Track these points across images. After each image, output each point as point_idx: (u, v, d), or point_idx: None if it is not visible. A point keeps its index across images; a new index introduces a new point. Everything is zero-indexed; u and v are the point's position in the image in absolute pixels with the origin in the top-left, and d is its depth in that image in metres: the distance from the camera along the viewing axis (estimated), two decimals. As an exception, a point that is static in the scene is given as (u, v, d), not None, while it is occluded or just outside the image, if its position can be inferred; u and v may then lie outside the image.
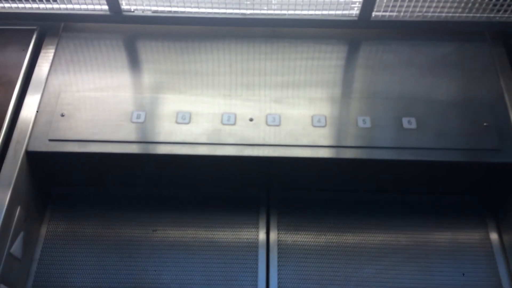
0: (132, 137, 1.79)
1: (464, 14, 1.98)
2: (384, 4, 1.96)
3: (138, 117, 1.83)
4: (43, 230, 1.89)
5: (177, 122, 1.82)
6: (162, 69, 1.97)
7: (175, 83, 1.93)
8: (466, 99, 1.88)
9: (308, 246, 1.87)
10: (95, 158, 1.79)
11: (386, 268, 1.82)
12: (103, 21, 2.05)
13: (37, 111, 1.82)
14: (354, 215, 1.93)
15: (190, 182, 1.95)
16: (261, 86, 1.93)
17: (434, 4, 1.96)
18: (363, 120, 1.82)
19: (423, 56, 1.99)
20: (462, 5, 1.97)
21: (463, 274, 1.80)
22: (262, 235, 1.88)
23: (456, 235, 1.88)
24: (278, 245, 1.87)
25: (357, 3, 1.95)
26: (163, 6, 2.01)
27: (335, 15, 2.00)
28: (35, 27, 2.05)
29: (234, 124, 1.82)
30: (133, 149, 1.78)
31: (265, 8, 1.99)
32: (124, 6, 2.00)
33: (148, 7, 2.01)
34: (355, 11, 1.98)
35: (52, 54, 1.99)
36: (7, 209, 1.65)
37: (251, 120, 1.83)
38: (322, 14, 2.00)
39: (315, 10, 1.99)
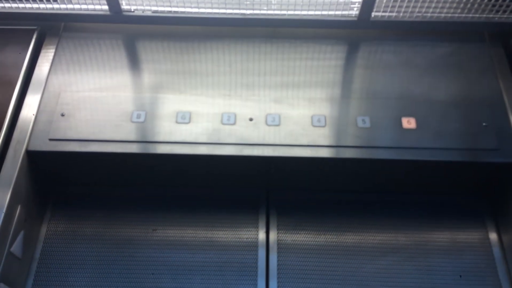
0: (132, 137, 1.79)
1: (463, 15, 1.99)
2: (383, 5, 1.97)
3: (138, 116, 1.84)
4: (43, 230, 1.89)
5: (177, 122, 1.83)
6: (162, 69, 1.97)
7: (175, 83, 1.94)
8: (465, 99, 1.88)
9: (307, 246, 1.87)
10: (95, 158, 1.80)
11: (385, 268, 1.82)
12: (103, 21, 2.05)
13: (33, 114, 1.82)
14: (354, 215, 1.93)
15: (190, 181, 1.95)
16: (261, 86, 1.93)
17: (433, 5, 1.96)
18: (363, 120, 1.83)
19: (423, 56, 2.00)
20: (461, 5, 1.97)
21: (460, 276, 1.80)
22: (261, 235, 1.89)
23: (455, 235, 1.89)
24: (277, 245, 1.87)
25: (357, 4, 1.96)
26: (163, 6, 2.01)
27: (335, 15, 2.00)
28: (35, 27, 2.06)
29: (234, 124, 1.83)
30: (133, 148, 1.78)
31: (265, 8, 2.00)
32: (124, 6, 2.00)
33: (148, 7, 2.02)
34: (354, 11, 1.98)
35: (52, 54, 2.00)
36: (7, 208, 1.66)
37: (251, 120, 1.84)
38: (321, 15, 2.00)
39: (315, 10, 1.99)
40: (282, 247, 1.86)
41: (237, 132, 1.81)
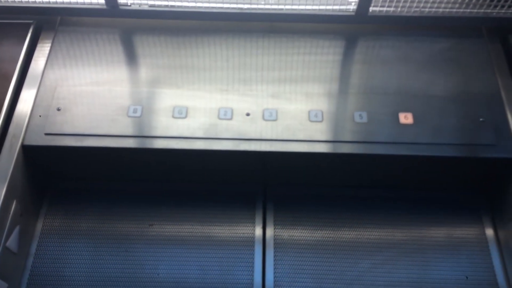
0: (129, 131, 1.79)
1: (461, 10, 1.98)
2: (381, -1, 1.97)
3: (135, 111, 1.83)
4: (39, 224, 1.89)
5: (173, 117, 1.82)
6: (159, 64, 1.97)
7: (172, 77, 1.93)
8: (462, 95, 1.88)
9: (304, 241, 1.87)
10: (91, 152, 1.79)
11: (381, 263, 1.82)
12: (100, 15, 2.04)
13: (29, 109, 1.81)
14: (350, 210, 1.93)
15: (187, 176, 1.95)
16: (258, 81, 1.92)
17: (431, 0, 1.95)
18: (360, 115, 1.82)
19: (420, 51, 1.99)
20: (459, 0, 1.97)
21: (456, 271, 1.80)
22: (258, 230, 1.88)
23: (452, 231, 1.89)
24: (274, 240, 1.87)
25: (355, -2, 1.96)
26: (160, 0, 2.00)
27: (333, 10, 2.00)
28: (31, 21, 2.04)
29: (231, 118, 1.82)
30: (130, 143, 1.77)
31: (262, 2, 1.99)
32: (120, 0, 1.99)
33: (145, 1, 2.01)
34: (352, 6, 1.98)
35: (48, 48, 1.99)
36: (3, 203, 1.65)
37: (248, 114, 1.83)
38: (319, 9, 2.00)
39: (313, 5, 1.98)
40: (278, 242, 1.86)
41: (234, 127, 1.80)
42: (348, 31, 2.06)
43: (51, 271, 1.80)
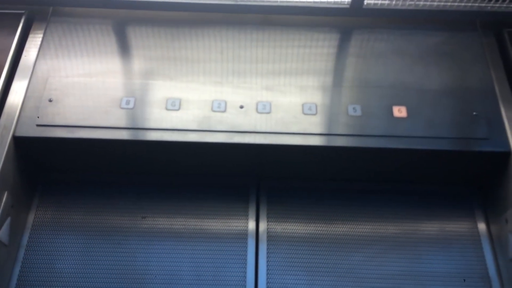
0: (121, 123, 1.77)
1: (456, 3, 1.98)
2: (376, -7, 1.96)
3: (128, 103, 1.82)
4: (31, 216, 1.87)
5: (167, 109, 1.81)
6: (152, 55, 1.95)
7: (165, 69, 1.91)
8: (456, 88, 1.88)
9: (297, 235, 1.87)
10: (83, 144, 1.78)
11: (374, 256, 1.83)
12: (93, 5, 2.02)
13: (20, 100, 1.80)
14: (344, 204, 1.93)
15: (180, 169, 1.94)
16: (252, 74, 1.92)
17: (426, -7, 1.96)
18: (354, 108, 1.82)
19: (415, 45, 1.99)
20: (454, -6, 1.97)
21: (448, 265, 1.81)
22: (251, 224, 1.88)
23: (444, 225, 1.89)
24: (267, 233, 1.87)
25: (349, -9, 1.95)
26: (153, -9, 1.99)
27: (327, 2, 1.99)
28: (23, 11, 2.02)
29: (224, 111, 1.81)
30: (122, 135, 1.76)
31: (257, -6, 1.99)
32: (114, -9, 1.98)
33: (138, -8, 1.99)
34: (347, -1, 1.98)
35: (40, 39, 1.97)
36: (-7, 194, 1.64)
37: (241, 107, 1.83)
38: (314, 2, 1.99)
39: (307, -3, 1.98)
40: (271, 236, 1.86)
41: (227, 119, 1.79)
42: (343, 24, 2.05)
43: (43, 263, 1.79)
